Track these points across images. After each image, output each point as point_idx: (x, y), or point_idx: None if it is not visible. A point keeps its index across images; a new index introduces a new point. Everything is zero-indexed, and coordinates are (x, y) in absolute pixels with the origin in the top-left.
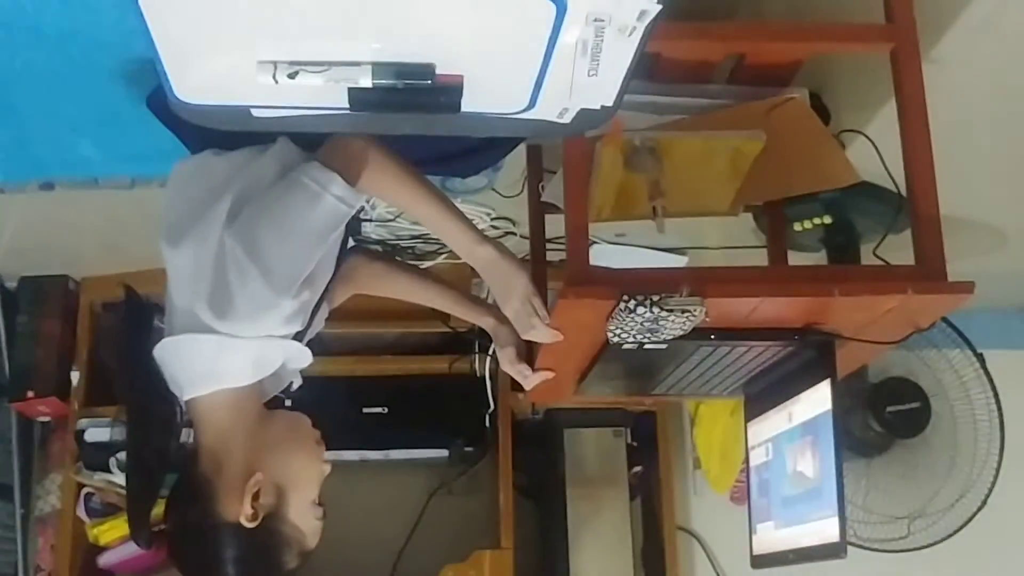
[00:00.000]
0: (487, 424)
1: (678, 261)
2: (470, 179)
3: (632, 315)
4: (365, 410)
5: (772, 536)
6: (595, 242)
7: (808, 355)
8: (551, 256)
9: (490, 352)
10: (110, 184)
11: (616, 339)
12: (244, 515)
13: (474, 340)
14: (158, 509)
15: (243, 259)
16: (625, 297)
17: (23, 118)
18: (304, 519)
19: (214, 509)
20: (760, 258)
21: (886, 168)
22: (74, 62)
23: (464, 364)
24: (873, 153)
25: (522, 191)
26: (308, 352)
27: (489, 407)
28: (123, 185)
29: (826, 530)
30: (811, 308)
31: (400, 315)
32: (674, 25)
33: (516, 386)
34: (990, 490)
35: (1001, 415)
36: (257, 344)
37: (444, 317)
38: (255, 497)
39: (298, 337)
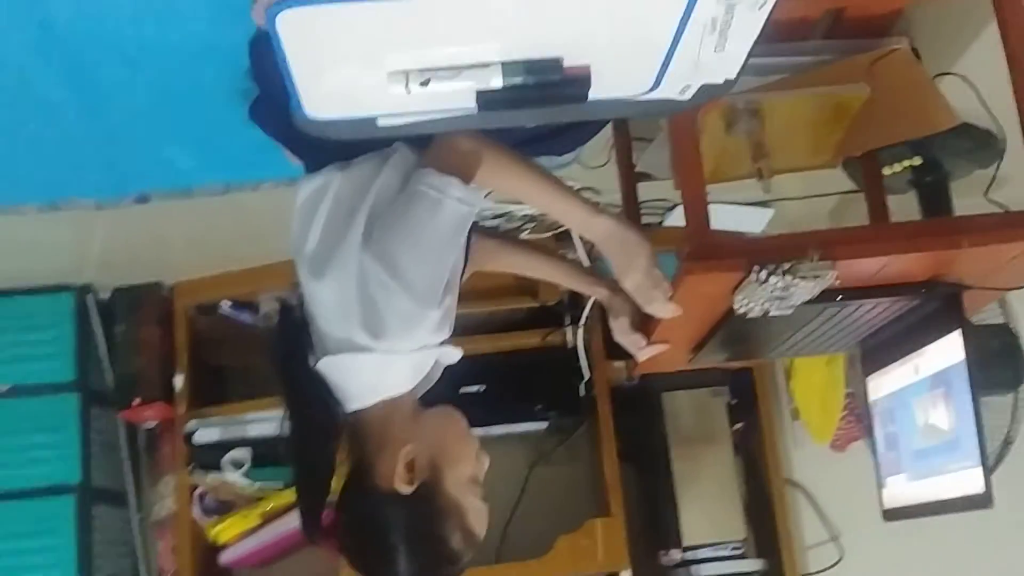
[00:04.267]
0: (582, 394)
1: (764, 214)
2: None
3: (763, 285)
4: (462, 390)
5: (905, 489)
6: (676, 204)
7: (932, 307)
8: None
9: (582, 323)
10: (204, 192)
11: (743, 309)
12: (398, 477)
13: (563, 312)
14: None
15: (385, 279)
16: (756, 267)
17: (119, 135)
18: (462, 494)
19: (374, 483)
20: (848, 203)
21: (986, 107)
22: (169, 76)
23: (557, 337)
24: (960, 93)
25: (608, 161)
26: (458, 350)
27: (583, 377)
28: (216, 191)
29: (969, 481)
30: (937, 261)
31: (487, 294)
32: None
33: (611, 354)
34: None
35: None
36: (413, 355)
37: (533, 292)
38: (410, 466)
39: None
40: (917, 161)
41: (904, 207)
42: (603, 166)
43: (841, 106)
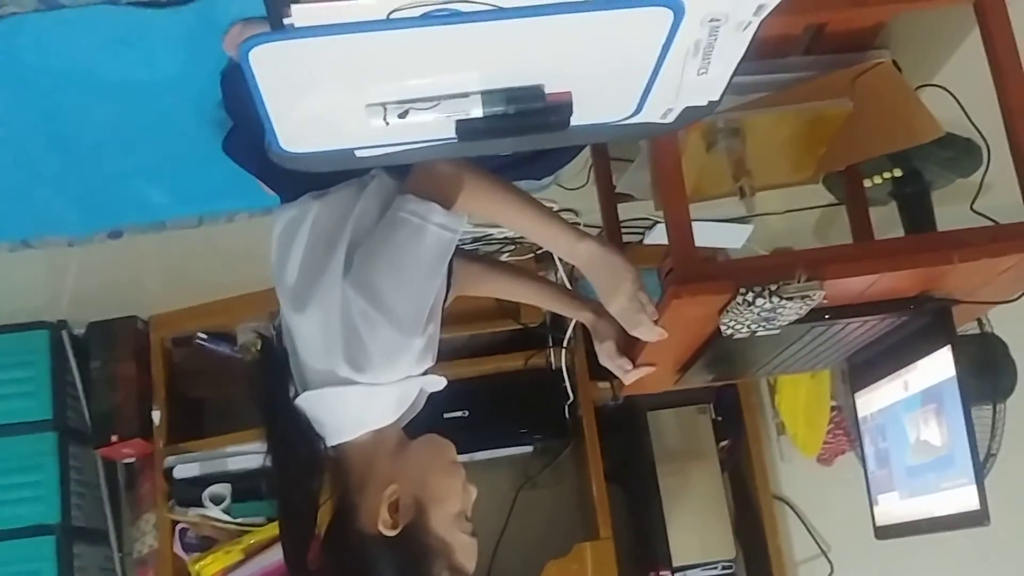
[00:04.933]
0: (567, 415)
1: (744, 231)
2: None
3: (750, 307)
4: (446, 415)
5: (898, 506)
6: (657, 222)
7: (922, 322)
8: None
9: (564, 344)
10: (178, 225)
11: (730, 331)
12: (382, 521)
13: (546, 334)
14: None
15: (367, 309)
16: (743, 290)
17: (93, 171)
18: (449, 531)
19: (358, 527)
20: (829, 217)
21: (969, 118)
22: (142, 112)
23: (540, 359)
24: (941, 103)
25: (587, 182)
26: (442, 378)
27: (567, 398)
28: (190, 224)
29: (963, 498)
30: (926, 276)
31: (468, 317)
32: None
33: (595, 375)
34: None
35: None
36: (397, 386)
37: (515, 314)
38: (394, 508)
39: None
40: (898, 172)
41: (886, 219)
42: (582, 187)
43: (823, 122)
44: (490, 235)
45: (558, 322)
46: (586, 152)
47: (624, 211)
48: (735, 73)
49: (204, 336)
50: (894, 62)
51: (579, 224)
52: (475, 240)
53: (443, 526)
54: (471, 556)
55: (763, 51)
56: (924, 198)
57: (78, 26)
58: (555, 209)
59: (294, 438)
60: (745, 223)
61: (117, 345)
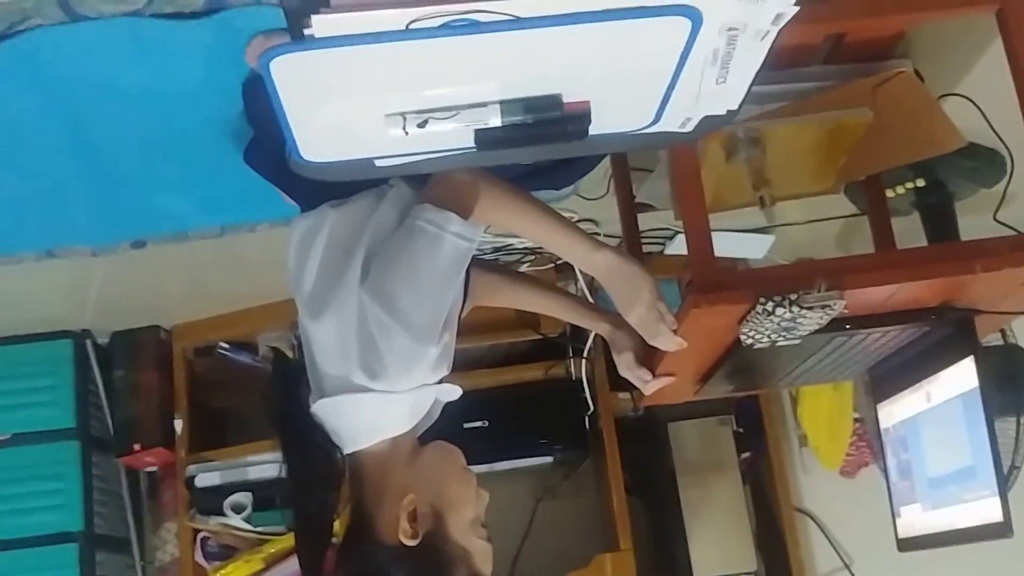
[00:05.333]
0: (587, 426)
1: (765, 241)
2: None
3: (770, 317)
4: (466, 426)
5: (920, 519)
6: (678, 232)
7: (943, 332)
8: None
9: (584, 355)
10: (200, 235)
11: (750, 341)
12: (402, 531)
13: (566, 344)
14: None
15: (383, 317)
16: (762, 299)
17: (117, 181)
18: (466, 538)
19: (377, 536)
20: (851, 227)
21: (992, 128)
22: (165, 122)
23: (560, 369)
24: (964, 113)
25: (607, 192)
26: (457, 388)
27: (587, 409)
28: (213, 234)
29: (986, 510)
30: (948, 286)
31: (488, 327)
32: None
33: (615, 386)
34: None
35: None
36: (412, 394)
37: (534, 324)
38: (412, 517)
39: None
40: (920, 182)
41: (909, 229)
42: (602, 197)
43: (844, 131)
44: (510, 245)
45: (578, 333)
46: (606, 162)
47: (645, 221)
48: (754, 82)
49: (226, 346)
50: (916, 71)
51: (599, 234)
52: (495, 250)
53: (461, 533)
54: (488, 561)
55: (783, 60)
56: (947, 208)
57: (102, 38)
58: (575, 219)
59: (309, 447)
60: (767, 233)
61: (140, 355)
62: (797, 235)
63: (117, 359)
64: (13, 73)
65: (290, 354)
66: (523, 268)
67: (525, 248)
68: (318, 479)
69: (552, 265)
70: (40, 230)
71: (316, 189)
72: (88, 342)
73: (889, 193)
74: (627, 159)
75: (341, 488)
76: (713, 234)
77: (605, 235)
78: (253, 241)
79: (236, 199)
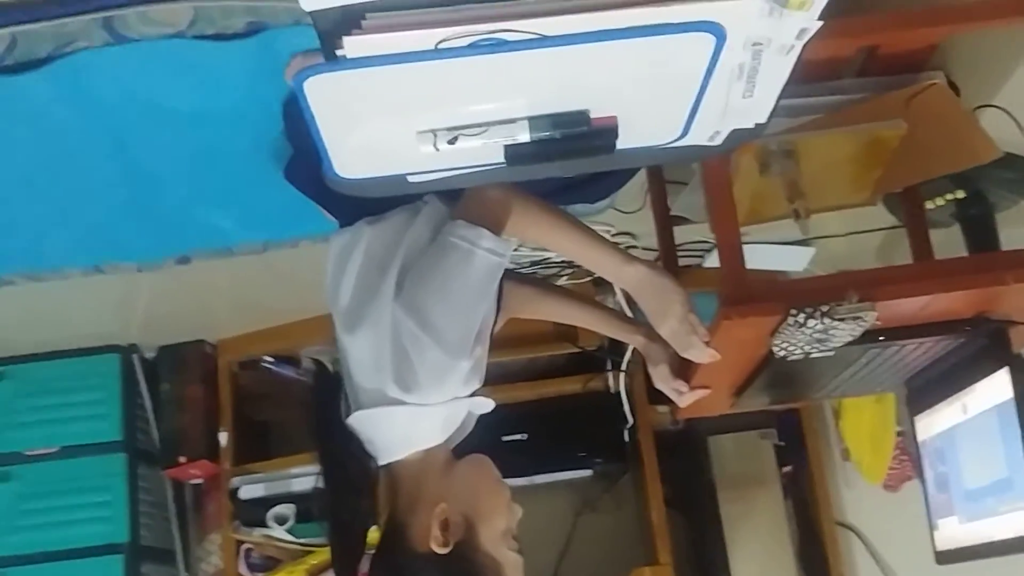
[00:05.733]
0: (626, 439)
1: (805, 253)
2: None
3: (802, 328)
4: (505, 438)
5: (958, 531)
6: (715, 246)
7: (979, 344)
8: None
9: (623, 368)
10: (244, 251)
11: (782, 352)
12: (433, 539)
13: (605, 357)
14: None
15: (416, 331)
16: (793, 311)
17: (161, 198)
18: (498, 549)
19: (409, 545)
20: (891, 239)
21: None
22: (209, 141)
23: (598, 382)
24: (1003, 124)
25: (643, 205)
26: (490, 400)
27: (627, 422)
28: (256, 250)
29: (1023, 522)
30: (982, 297)
31: (527, 340)
32: None
33: (654, 399)
34: None
35: None
36: (445, 407)
37: (572, 338)
38: (444, 526)
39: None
40: (960, 194)
41: (950, 242)
42: (638, 211)
43: (878, 143)
44: (548, 259)
45: (616, 346)
46: (642, 176)
47: (683, 234)
48: (782, 95)
49: (270, 360)
50: (952, 83)
51: (636, 248)
52: (533, 264)
53: (492, 543)
54: (519, 573)
55: (816, 73)
56: (988, 220)
57: (146, 59)
58: (612, 232)
59: (345, 456)
60: (807, 246)
61: (186, 368)
62: (838, 248)
63: (163, 373)
64: (60, 94)
65: (331, 367)
66: (561, 282)
67: (563, 262)
68: (352, 486)
69: (590, 279)
70: (87, 246)
71: (354, 205)
72: (135, 356)
73: (929, 205)
74: (663, 172)
75: (375, 496)
76: (753, 247)
77: (643, 248)
78: (295, 256)
79: (278, 215)
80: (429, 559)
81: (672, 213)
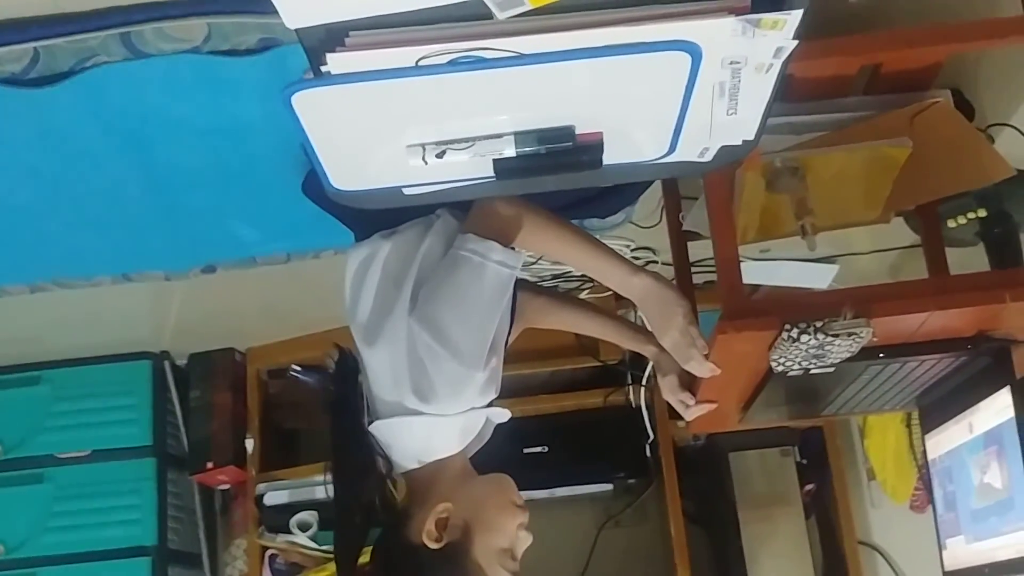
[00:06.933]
0: (648, 454)
1: (829, 270)
2: (609, 216)
3: (796, 343)
4: (526, 451)
5: (964, 551)
6: (741, 261)
7: (982, 363)
8: (695, 279)
9: (644, 382)
10: (267, 261)
11: (781, 368)
12: (426, 532)
13: (626, 371)
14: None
15: (432, 343)
16: (787, 326)
17: (186, 209)
18: (490, 564)
19: (405, 533)
20: (916, 257)
21: None
22: (230, 154)
23: (619, 396)
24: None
25: (660, 220)
26: (506, 411)
27: (648, 437)
28: (279, 261)
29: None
30: (981, 315)
31: (548, 354)
32: (805, 45)
33: (675, 414)
34: None
35: None
36: (462, 417)
37: (594, 351)
38: (442, 524)
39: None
40: (982, 213)
41: (975, 260)
42: (656, 226)
43: (885, 161)
44: (568, 272)
45: (637, 360)
46: (659, 190)
47: (701, 250)
48: (769, 113)
49: (298, 368)
50: (967, 102)
51: (656, 263)
52: (554, 277)
53: (484, 556)
54: None
55: (820, 91)
56: (1011, 238)
57: (164, 74)
58: (632, 248)
59: (355, 435)
60: (831, 263)
61: (215, 376)
62: (863, 265)
63: (193, 380)
64: (82, 108)
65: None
66: (583, 295)
67: (583, 275)
68: (359, 469)
69: (610, 292)
70: (115, 255)
71: (368, 219)
72: (166, 363)
73: (950, 223)
74: (678, 187)
75: (382, 488)
76: (776, 263)
77: (663, 264)
78: (319, 267)
79: (299, 227)
80: (421, 551)
81: (684, 228)
